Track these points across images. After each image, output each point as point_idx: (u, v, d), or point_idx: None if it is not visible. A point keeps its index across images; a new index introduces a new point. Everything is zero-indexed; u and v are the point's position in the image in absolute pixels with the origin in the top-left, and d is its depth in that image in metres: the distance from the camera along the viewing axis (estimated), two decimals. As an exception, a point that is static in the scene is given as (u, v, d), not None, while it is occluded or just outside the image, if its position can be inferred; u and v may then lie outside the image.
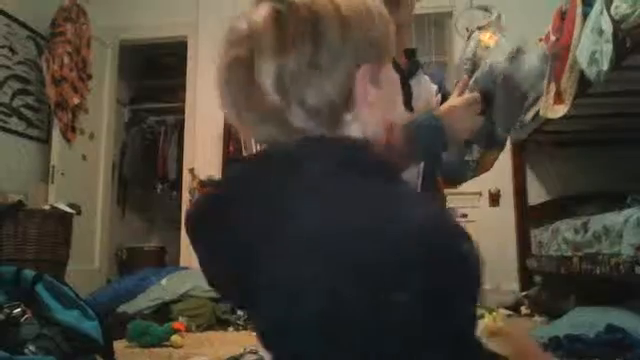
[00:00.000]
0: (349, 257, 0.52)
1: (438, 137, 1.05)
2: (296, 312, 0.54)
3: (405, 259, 0.51)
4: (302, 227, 0.55)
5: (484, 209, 3.90)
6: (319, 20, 0.62)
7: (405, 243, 0.52)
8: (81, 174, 4.16)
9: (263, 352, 2.02)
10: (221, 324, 3.01)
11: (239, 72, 0.63)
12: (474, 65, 1.20)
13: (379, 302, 0.51)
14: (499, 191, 3.91)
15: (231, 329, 2.95)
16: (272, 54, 0.61)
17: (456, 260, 0.54)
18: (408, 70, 1.33)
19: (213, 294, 3.12)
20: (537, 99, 2.65)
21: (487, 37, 1.17)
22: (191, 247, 0.68)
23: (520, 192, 3.87)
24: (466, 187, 1.57)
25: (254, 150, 4.07)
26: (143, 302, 3.10)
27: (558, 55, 2.63)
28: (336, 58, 0.62)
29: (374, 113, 0.66)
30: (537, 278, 3.56)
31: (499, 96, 1.11)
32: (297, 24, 0.61)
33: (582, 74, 2.43)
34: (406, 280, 0.51)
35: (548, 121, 3.02)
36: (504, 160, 3.89)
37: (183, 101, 4.65)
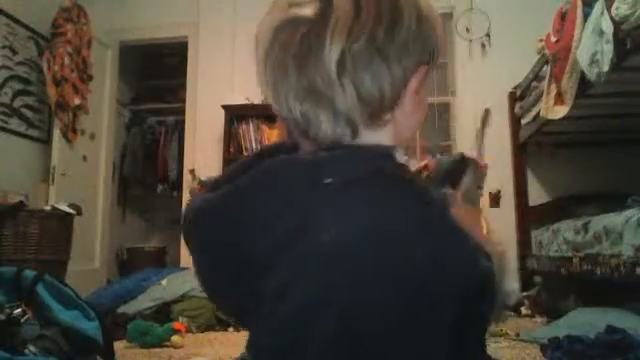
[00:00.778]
0: (367, 278, 0.48)
1: None
2: (306, 332, 0.49)
3: (439, 289, 0.48)
4: (320, 240, 0.50)
5: (485, 210, 3.89)
6: (398, 6, 0.58)
7: (443, 273, 0.48)
8: (82, 174, 4.16)
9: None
10: (221, 324, 3.01)
11: (298, 34, 0.57)
12: None
13: (399, 326, 0.47)
14: (499, 192, 3.91)
15: (231, 329, 2.95)
16: (345, 29, 0.55)
17: (486, 292, 0.53)
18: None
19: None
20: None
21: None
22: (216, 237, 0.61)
23: (520, 193, 3.88)
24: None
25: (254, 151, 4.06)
26: (143, 302, 3.10)
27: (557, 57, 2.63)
28: (404, 51, 0.58)
29: (407, 121, 0.62)
30: (537, 279, 3.56)
31: None
32: (377, 3, 0.57)
33: (583, 75, 2.43)
34: (436, 308, 0.48)
35: (548, 122, 3.01)
36: (505, 161, 3.90)
37: (183, 101, 4.65)
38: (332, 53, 0.56)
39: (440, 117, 4.16)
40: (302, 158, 0.59)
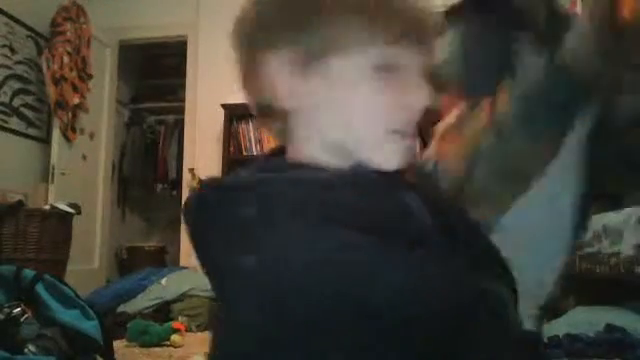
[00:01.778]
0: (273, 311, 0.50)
1: None
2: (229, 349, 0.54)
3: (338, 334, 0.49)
4: (243, 266, 0.53)
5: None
6: None
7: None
8: (81, 174, 4.16)
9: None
10: (221, 324, 3.01)
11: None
12: None
13: None
14: (499, 191, 3.91)
15: (231, 329, 2.95)
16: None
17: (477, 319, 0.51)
18: None
19: (213, 294, 3.12)
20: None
21: None
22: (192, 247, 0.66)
23: (520, 192, 3.87)
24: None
25: (254, 151, 4.06)
26: (143, 302, 3.10)
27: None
28: None
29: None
30: (537, 278, 3.56)
31: None
32: None
33: (582, 74, 2.42)
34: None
35: (548, 121, 3.01)
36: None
37: (183, 101, 4.65)
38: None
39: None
40: (249, 179, 0.61)
